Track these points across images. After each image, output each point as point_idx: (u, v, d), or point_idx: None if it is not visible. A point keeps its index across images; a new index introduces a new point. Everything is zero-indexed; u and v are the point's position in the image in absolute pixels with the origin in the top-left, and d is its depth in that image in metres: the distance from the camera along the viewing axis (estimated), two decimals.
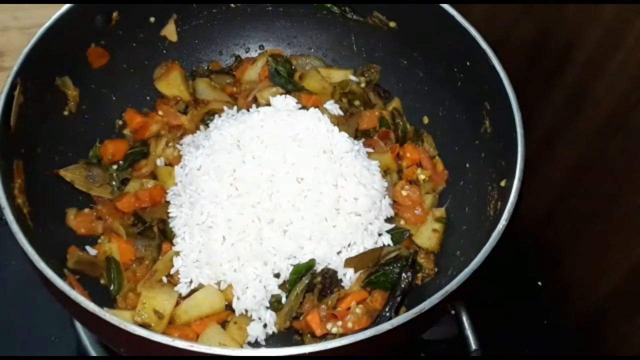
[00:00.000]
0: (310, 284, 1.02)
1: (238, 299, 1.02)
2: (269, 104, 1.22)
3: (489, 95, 1.04)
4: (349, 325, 1.00)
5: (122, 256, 1.05)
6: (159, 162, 1.17)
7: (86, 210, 1.09)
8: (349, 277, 1.06)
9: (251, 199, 1.04)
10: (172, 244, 1.07)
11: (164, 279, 1.05)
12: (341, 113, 1.23)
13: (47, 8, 1.09)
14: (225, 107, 1.23)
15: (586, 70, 1.04)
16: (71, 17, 1.05)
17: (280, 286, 1.04)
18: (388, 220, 1.12)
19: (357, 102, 1.25)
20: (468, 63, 1.08)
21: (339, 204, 1.06)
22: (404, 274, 1.03)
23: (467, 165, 1.12)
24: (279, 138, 1.10)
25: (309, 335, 1.02)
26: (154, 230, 1.07)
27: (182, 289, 1.03)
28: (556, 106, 1.13)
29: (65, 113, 1.10)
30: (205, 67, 1.30)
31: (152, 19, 1.21)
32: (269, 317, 1.02)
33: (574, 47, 1.05)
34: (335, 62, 1.31)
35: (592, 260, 1.12)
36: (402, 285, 1.02)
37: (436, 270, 1.09)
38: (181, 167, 1.14)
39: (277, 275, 1.04)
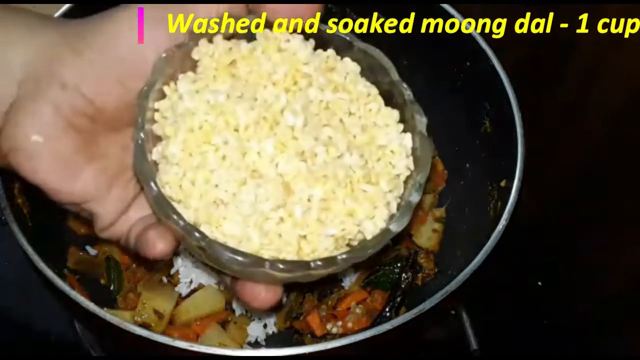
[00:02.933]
0: (311, 284, 1.02)
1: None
2: None
3: (489, 95, 1.04)
4: (349, 325, 1.01)
5: (122, 256, 1.06)
6: None
7: None
8: (349, 277, 1.06)
9: None
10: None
11: (164, 279, 1.05)
12: None
13: (47, 8, 1.09)
14: None
15: (587, 71, 1.05)
16: (71, 17, 1.05)
17: None
18: None
19: None
20: (468, 63, 1.08)
21: None
22: (404, 274, 1.03)
23: (467, 165, 1.12)
24: None
25: (309, 336, 1.02)
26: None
27: (182, 289, 1.03)
28: (557, 106, 1.13)
29: None
30: None
31: None
32: (269, 317, 1.02)
33: (575, 47, 1.05)
34: None
35: (592, 260, 1.12)
36: (402, 285, 1.02)
37: (436, 270, 1.09)
38: None
39: None
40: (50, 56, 0.63)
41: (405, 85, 0.72)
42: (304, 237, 0.64)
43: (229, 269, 0.65)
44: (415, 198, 0.68)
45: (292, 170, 0.64)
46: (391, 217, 0.68)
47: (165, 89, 0.66)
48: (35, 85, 0.63)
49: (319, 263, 0.63)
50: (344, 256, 0.64)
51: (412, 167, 0.71)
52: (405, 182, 0.71)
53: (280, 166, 0.64)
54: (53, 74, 0.62)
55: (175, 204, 0.63)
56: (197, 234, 0.61)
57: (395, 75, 0.72)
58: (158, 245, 0.66)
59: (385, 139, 0.70)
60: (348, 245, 0.67)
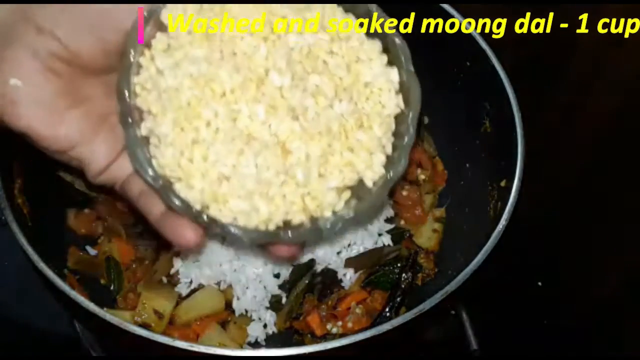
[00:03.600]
0: (311, 284, 1.02)
1: (238, 299, 1.02)
2: None
3: (489, 95, 1.04)
4: (349, 325, 1.00)
5: (122, 256, 1.06)
6: None
7: (86, 210, 1.09)
8: (349, 277, 1.05)
9: None
10: (172, 244, 1.06)
11: (164, 279, 1.05)
12: None
13: None
14: None
15: (587, 71, 1.04)
16: None
17: (280, 286, 1.04)
18: (388, 220, 1.12)
19: None
20: (468, 63, 1.08)
21: None
22: (404, 274, 1.03)
23: (467, 165, 1.12)
24: None
25: (309, 336, 1.02)
26: (154, 230, 1.07)
27: (182, 289, 1.03)
28: (557, 106, 1.13)
29: None
30: None
31: None
32: (269, 317, 1.02)
33: (575, 47, 1.05)
34: None
35: (592, 260, 1.12)
36: (402, 286, 1.02)
37: (436, 270, 1.09)
38: None
39: (277, 276, 1.04)
40: (25, 5, 0.64)
41: (383, 13, 0.71)
42: (308, 193, 0.65)
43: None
44: (409, 140, 0.69)
45: (286, 130, 0.65)
46: (388, 158, 0.69)
47: (141, 60, 0.65)
48: (11, 31, 0.63)
49: (328, 226, 0.66)
50: (351, 214, 0.67)
51: (402, 105, 0.71)
52: (398, 121, 0.71)
53: (273, 127, 0.65)
54: (28, 19, 0.63)
55: (177, 184, 0.64)
56: (206, 219, 0.64)
57: (372, 6, 0.71)
58: (188, 234, 0.67)
59: (370, 75, 0.70)
60: (350, 188, 0.68)
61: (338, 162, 0.66)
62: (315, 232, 0.66)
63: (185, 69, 0.64)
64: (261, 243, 0.69)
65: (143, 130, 0.65)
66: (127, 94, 0.65)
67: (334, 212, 0.67)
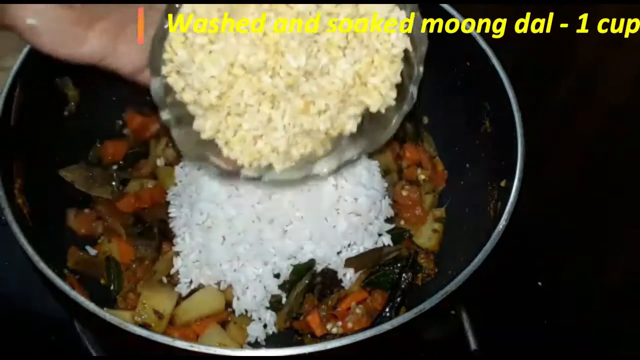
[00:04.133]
0: (311, 284, 1.02)
1: (238, 299, 1.02)
2: None
3: (489, 95, 1.04)
4: (349, 325, 1.00)
5: (122, 256, 1.06)
6: (159, 162, 1.17)
7: (86, 210, 1.09)
8: (349, 277, 1.05)
9: (251, 199, 1.04)
10: (172, 244, 1.07)
11: (164, 279, 1.05)
12: None
13: None
14: None
15: (587, 71, 1.04)
16: None
17: (280, 286, 1.04)
18: (388, 220, 1.12)
19: None
20: (468, 63, 1.08)
21: (339, 204, 1.06)
22: (404, 274, 1.03)
23: (467, 165, 1.12)
24: None
25: (309, 336, 1.02)
26: (153, 230, 1.07)
27: (182, 289, 1.03)
28: (557, 106, 1.13)
29: (65, 113, 1.10)
30: None
31: None
32: (269, 317, 1.02)
33: (575, 47, 1.05)
34: None
35: (592, 260, 1.12)
36: (402, 286, 1.02)
37: (436, 270, 1.09)
38: (181, 167, 1.14)
39: (277, 276, 1.04)
40: None
41: None
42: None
43: None
44: (417, 76, 0.77)
45: (306, 90, 0.72)
46: (397, 87, 0.75)
47: (165, 56, 0.74)
48: None
49: (355, 158, 0.79)
50: (367, 142, 0.79)
51: (409, 46, 0.76)
52: (406, 60, 0.77)
53: (294, 88, 0.72)
54: None
55: (219, 141, 0.75)
56: (250, 176, 0.76)
57: None
58: None
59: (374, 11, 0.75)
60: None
61: (354, 101, 0.74)
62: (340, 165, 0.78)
63: (209, 71, 0.71)
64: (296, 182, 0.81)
65: (178, 97, 0.74)
66: (158, 72, 0.74)
67: (352, 135, 0.76)
